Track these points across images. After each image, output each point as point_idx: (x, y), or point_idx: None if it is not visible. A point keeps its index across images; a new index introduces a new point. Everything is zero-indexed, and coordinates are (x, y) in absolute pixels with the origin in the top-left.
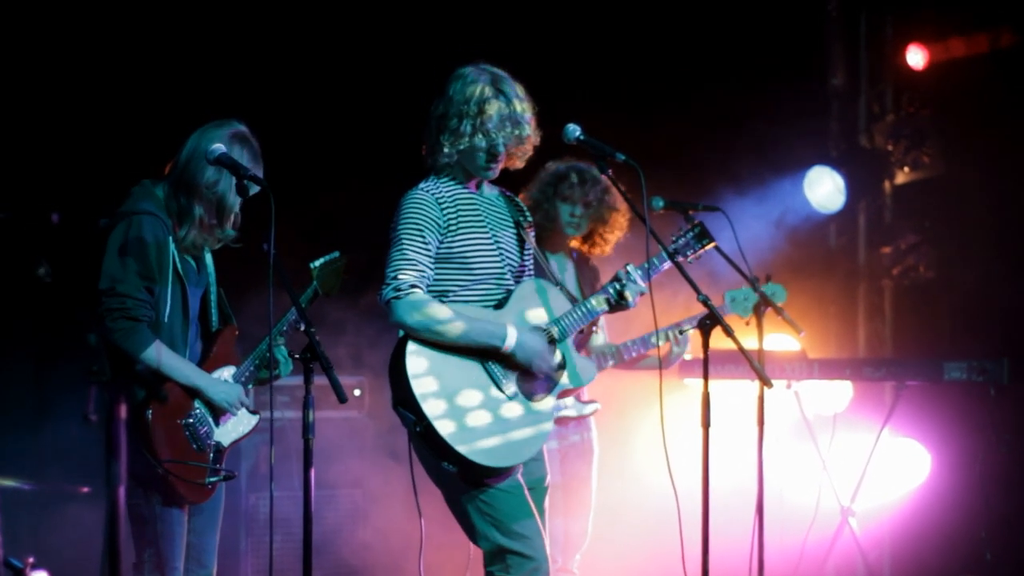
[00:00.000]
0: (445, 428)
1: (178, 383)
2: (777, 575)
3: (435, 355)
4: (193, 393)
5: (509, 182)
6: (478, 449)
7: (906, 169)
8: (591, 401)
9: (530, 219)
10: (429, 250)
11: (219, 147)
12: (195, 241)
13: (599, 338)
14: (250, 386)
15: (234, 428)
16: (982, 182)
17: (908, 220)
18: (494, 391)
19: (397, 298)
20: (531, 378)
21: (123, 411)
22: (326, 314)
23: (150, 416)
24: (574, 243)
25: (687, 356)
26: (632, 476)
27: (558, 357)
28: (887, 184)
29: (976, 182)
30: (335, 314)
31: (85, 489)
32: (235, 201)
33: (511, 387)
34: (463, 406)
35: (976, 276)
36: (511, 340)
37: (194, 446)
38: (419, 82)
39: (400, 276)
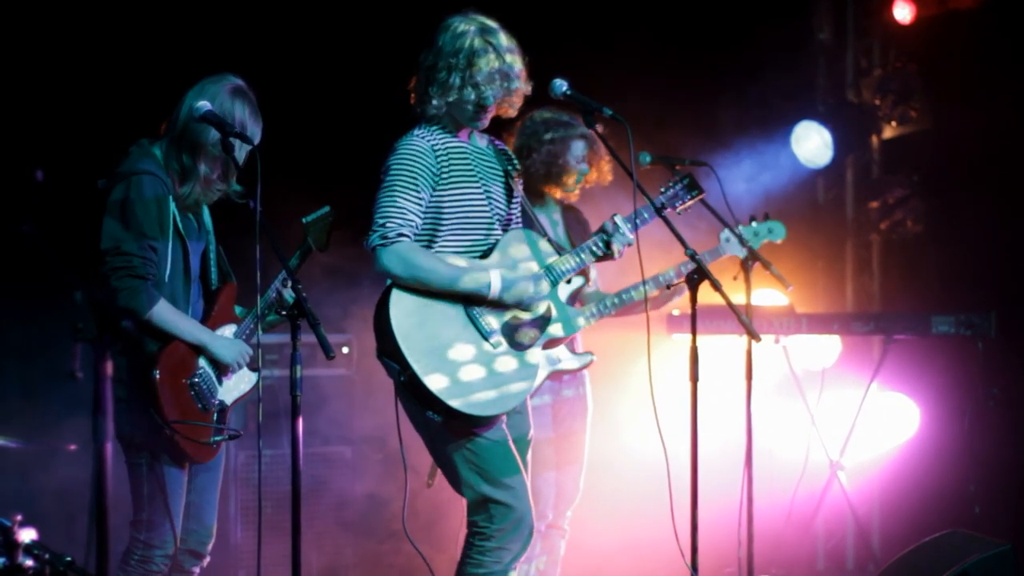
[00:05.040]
0: (429, 377)
1: (184, 341)
2: (766, 529)
3: (420, 304)
4: (198, 351)
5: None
6: (463, 398)
7: (893, 123)
8: (586, 352)
9: (519, 168)
10: (420, 199)
11: (204, 104)
12: (198, 198)
13: (590, 288)
14: (255, 339)
15: (236, 386)
16: (970, 136)
17: (896, 175)
18: (480, 341)
19: (384, 245)
20: (517, 328)
21: (109, 368)
22: (315, 270)
23: (157, 376)
24: (559, 193)
25: (675, 312)
26: (620, 431)
27: (544, 287)
28: (874, 139)
29: (964, 136)
30: (324, 270)
31: (72, 447)
32: (241, 156)
33: (496, 336)
34: (448, 356)
35: (964, 230)
36: (496, 286)
37: (199, 405)
38: (411, 29)
39: (388, 224)
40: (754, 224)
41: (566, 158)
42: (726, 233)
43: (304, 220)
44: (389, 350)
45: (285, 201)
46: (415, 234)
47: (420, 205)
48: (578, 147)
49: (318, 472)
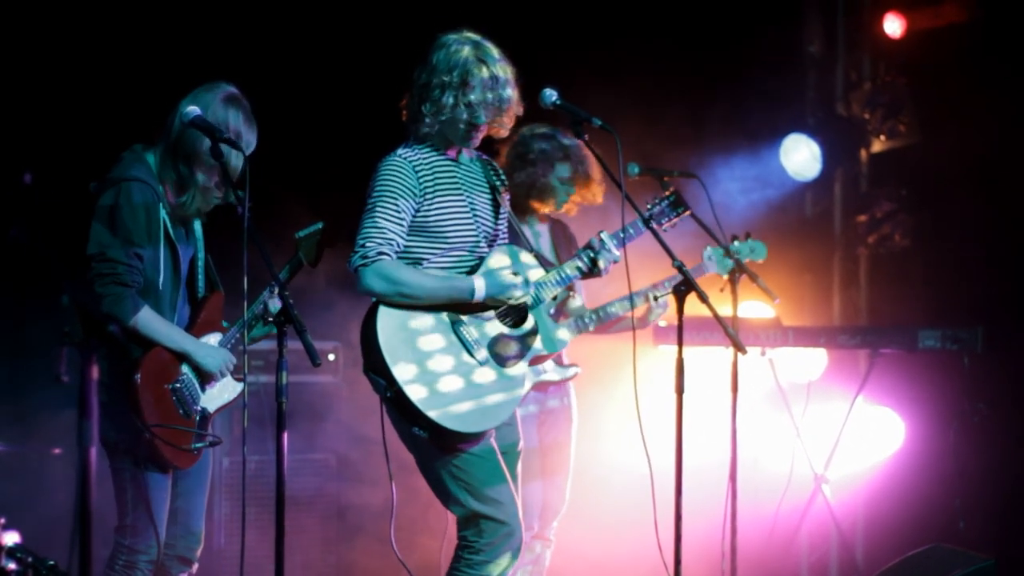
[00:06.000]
0: (415, 393)
1: (166, 348)
2: (750, 542)
3: (405, 321)
4: (181, 358)
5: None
6: (449, 414)
7: (882, 137)
8: (571, 365)
9: (506, 183)
10: (402, 218)
11: (193, 109)
12: (200, 207)
13: (576, 302)
14: (240, 347)
15: (219, 394)
16: (958, 151)
17: (884, 188)
18: (465, 356)
19: (364, 265)
20: (503, 343)
21: (95, 372)
22: (305, 280)
23: (139, 380)
24: (546, 209)
25: (662, 323)
26: (606, 442)
27: (527, 295)
28: (863, 152)
29: (952, 151)
30: (298, 280)
31: (56, 450)
32: (238, 164)
33: (482, 352)
34: (434, 371)
35: (951, 245)
36: (480, 290)
37: (180, 411)
38: (405, 45)
39: (368, 244)
40: (736, 243)
41: (549, 178)
42: (708, 251)
43: (297, 235)
44: (375, 366)
45: (281, 210)
46: (398, 252)
47: (401, 224)
48: (562, 169)
49: (303, 480)
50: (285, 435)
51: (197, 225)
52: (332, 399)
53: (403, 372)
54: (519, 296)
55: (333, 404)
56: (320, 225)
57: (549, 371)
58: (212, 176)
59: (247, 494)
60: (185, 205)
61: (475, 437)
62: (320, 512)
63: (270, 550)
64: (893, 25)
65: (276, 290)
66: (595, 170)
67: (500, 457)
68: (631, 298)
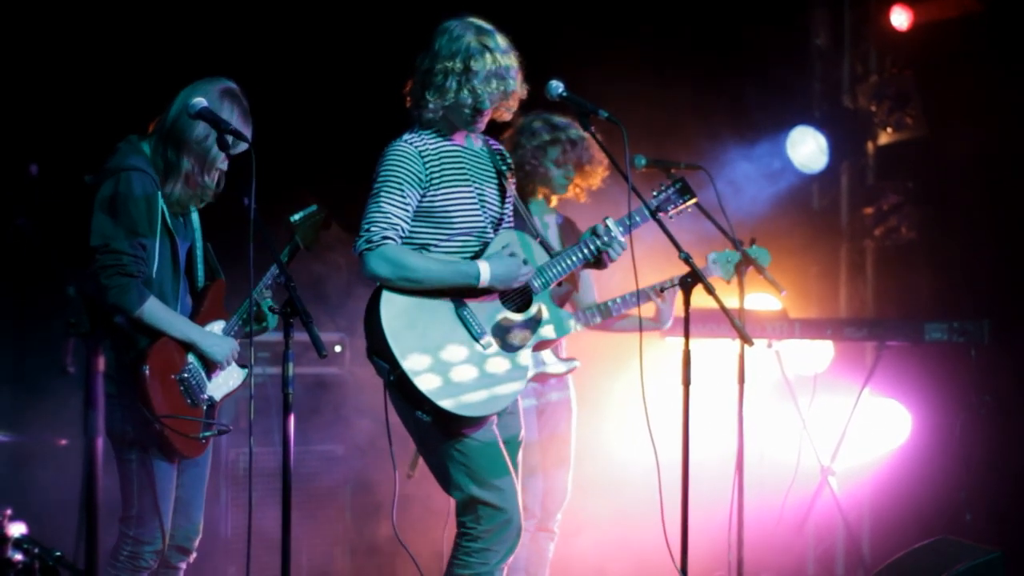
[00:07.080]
0: (418, 377)
1: (173, 337)
2: (756, 534)
3: (409, 305)
4: (187, 347)
5: (492, 130)
6: (451, 398)
7: (889, 130)
8: (571, 359)
9: (512, 169)
10: (407, 204)
11: (200, 101)
12: (180, 198)
13: (587, 296)
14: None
15: (224, 382)
16: (965, 143)
17: (891, 181)
18: (469, 341)
19: (369, 250)
20: (508, 329)
21: (101, 363)
22: (308, 269)
23: (147, 371)
24: (552, 196)
25: None
26: (612, 434)
27: (533, 278)
28: (870, 145)
29: (959, 143)
30: (317, 269)
31: (63, 441)
32: (218, 155)
33: (486, 337)
34: (437, 355)
35: (958, 237)
36: (485, 274)
37: (188, 401)
38: (408, 32)
39: (373, 228)
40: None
41: (540, 160)
42: (712, 256)
43: (291, 219)
44: (378, 349)
45: (281, 197)
46: (403, 238)
47: (406, 210)
48: (553, 151)
49: (309, 470)
50: (292, 426)
51: (194, 215)
52: (338, 390)
53: (406, 355)
54: (524, 276)
55: (339, 395)
56: (315, 207)
57: (550, 363)
58: (198, 165)
59: (266, 485)
60: (169, 194)
61: (478, 422)
62: (325, 503)
63: (277, 538)
64: (900, 17)
65: (280, 276)
66: (593, 151)
67: (502, 446)
68: (639, 293)
